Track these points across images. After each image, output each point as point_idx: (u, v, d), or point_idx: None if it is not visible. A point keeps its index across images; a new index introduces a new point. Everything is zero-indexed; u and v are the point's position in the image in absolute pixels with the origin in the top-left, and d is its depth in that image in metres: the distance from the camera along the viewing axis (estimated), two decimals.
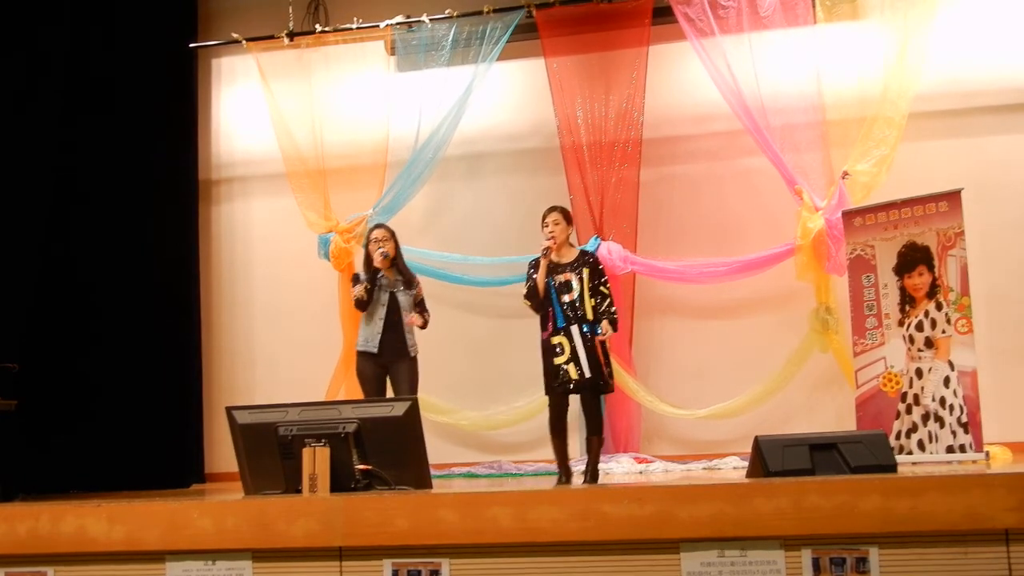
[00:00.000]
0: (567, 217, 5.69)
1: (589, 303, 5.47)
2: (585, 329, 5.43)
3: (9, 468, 5.84)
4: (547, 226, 5.61)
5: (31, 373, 6.25)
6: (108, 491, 6.43)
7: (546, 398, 5.60)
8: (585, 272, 5.53)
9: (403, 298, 5.90)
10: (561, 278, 5.53)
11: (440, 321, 7.44)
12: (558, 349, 5.43)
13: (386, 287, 5.86)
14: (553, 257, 5.58)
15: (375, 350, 5.81)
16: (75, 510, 2.89)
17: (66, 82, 6.92)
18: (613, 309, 5.55)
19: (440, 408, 7.38)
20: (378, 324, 5.83)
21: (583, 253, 5.70)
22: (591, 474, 5.55)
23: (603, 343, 5.46)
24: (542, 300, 5.53)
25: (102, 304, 7.03)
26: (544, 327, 5.54)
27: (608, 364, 5.49)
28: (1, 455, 5.80)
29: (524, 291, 5.61)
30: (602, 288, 5.56)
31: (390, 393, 5.94)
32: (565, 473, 5.62)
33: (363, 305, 5.82)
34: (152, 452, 6.98)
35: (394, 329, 5.84)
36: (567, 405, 5.54)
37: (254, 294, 8.14)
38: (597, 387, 5.47)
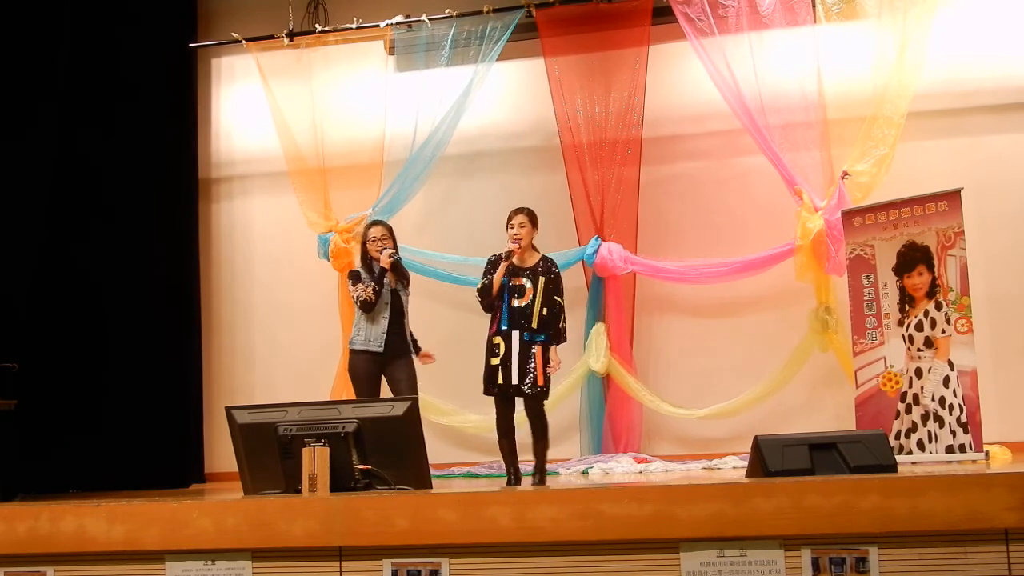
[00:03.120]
0: (533, 220, 5.64)
1: (538, 311, 5.46)
2: (526, 337, 5.43)
3: (9, 468, 5.84)
4: (512, 227, 5.58)
5: (31, 373, 6.25)
6: (108, 491, 6.43)
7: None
8: (541, 280, 5.51)
9: (404, 297, 5.90)
10: (516, 281, 5.52)
11: (439, 322, 7.46)
12: (496, 349, 5.45)
13: (388, 285, 5.85)
14: (514, 260, 5.57)
15: (379, 349, 5.78)
16: (75, 510, 2.89)
17: (66, 82, 6.92)
18: (562, 322, 5.56)
19: (440, 409, 7.37)
20: (382, 323, 5.80)
21: (544, 260, 5.64)
22: (539, 477, 5.56)
23: (544, 352, 5.44)
24: (493, 300, 5.52)
25: (102, 303, 7.03)
26: (490, 326, 5.55)
27: (545, 373, 5.44)
28: (1, 455, 5.80)
29: (478, 286, 5.59)
30: (556, 298, 5.54)
31: (385, 391, 5.93)
32: (514, 475, 5.61)
33: (370, 307, 5.77)
34: (152, 452, 6.98)
35: (399, 329, 5.83)
36: (511, 406, 5.55)
37: (254, 294, 8.14)
38: (522, 393, 5.44)
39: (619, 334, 7.20)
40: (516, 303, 5.48)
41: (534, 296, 5.49)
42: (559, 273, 5.67)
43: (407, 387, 5.79)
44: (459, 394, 7.40)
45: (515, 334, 5.43)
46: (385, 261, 5.77)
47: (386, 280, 5.83)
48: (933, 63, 6.84)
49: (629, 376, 7.13)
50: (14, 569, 2.90)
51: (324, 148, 7.72)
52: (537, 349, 5.44)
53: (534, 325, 5.45)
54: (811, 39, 7.05)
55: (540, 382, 5.42)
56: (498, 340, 5.47)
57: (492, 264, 5.62)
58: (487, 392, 5.57)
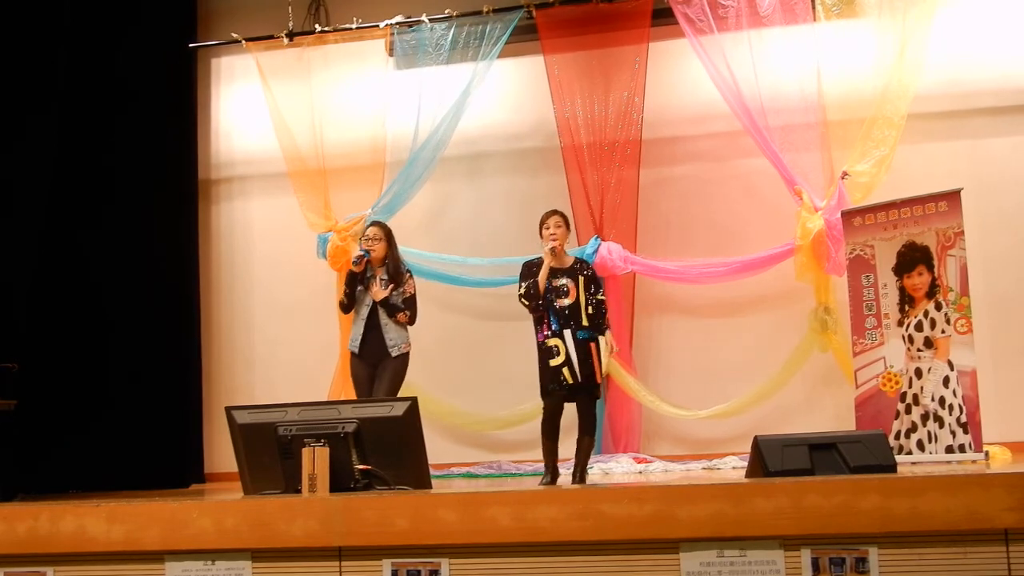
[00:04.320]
0: (568, 222, 5.73)
1: (584, 310, 5.51)
2: (580, 335, 5.46)
3: (9, 468, 5.84)
4: (548, 228, 5.63)
5: (31, 373, 6.26)
6: (108, 491, 6.43)
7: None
8: (580, 279, 5.57)
9: (389, 299, 5.82)
10: (557, 283, 5.55)
11: (440, 322, 7.47)
12: (555, 351, 5.45)
13: (370, 286, 5.82)
14: (552, 262, 5.59)
15: (355, 350, 5.83)
16: (74, 510, 2.89)
17: (66, 82, 6.93)
18: (604, 315, 5.63)
19: (440, 410, 7.37)
20: (360, 324, 5.83)
21: (578, 260, 5.73)
22: (580, 474, 5.57)
23: (598, 350, 5.52)
24: (539, 302, 5.53)
25: (102, 304, 7.04)
26: (539, 330, 5.57)
27: (600, 369, 5.55)
28: (1, 455, 5.80)
29: (521, 291, 5.59)
30: (599, 296, 5.62)
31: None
32: (552, 473, 5.61)
33: (344, 308, 5.88)
34: (152, 452, 6.98)
35: (375, 329, 5.80)
36: (562, 407, 5.55)
37: (254, 294, 8.14)
38: (590, 391, 5.51)
39: (619, 334, 7.19)
40: (561, 303, 5.50)
41: (578, 295, 5.52)
42: (595, 271, 5.81)
43: (387, 389, 5.76)
44: (459, 394, 7.41)
45: (567, 332, 5.46)
46: (352, 266, 5.77)
47: (379, 279, 5.81)
48: (933, 64, 6.84)
49: (629, 376, 7.13)
50: (14, 569, 2.90)
51: (324, 148, 7.73)
52: (592, 347, 5.50)
53: (585, 323, 5.50)
54: (811, 40, 7.05)
55: (598, 380, 5.52)
56: (554, 342, 5.46)
57: (528, 269, 5.66)
58: (550, 393, 5.51)
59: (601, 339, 5.59)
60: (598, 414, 7.14)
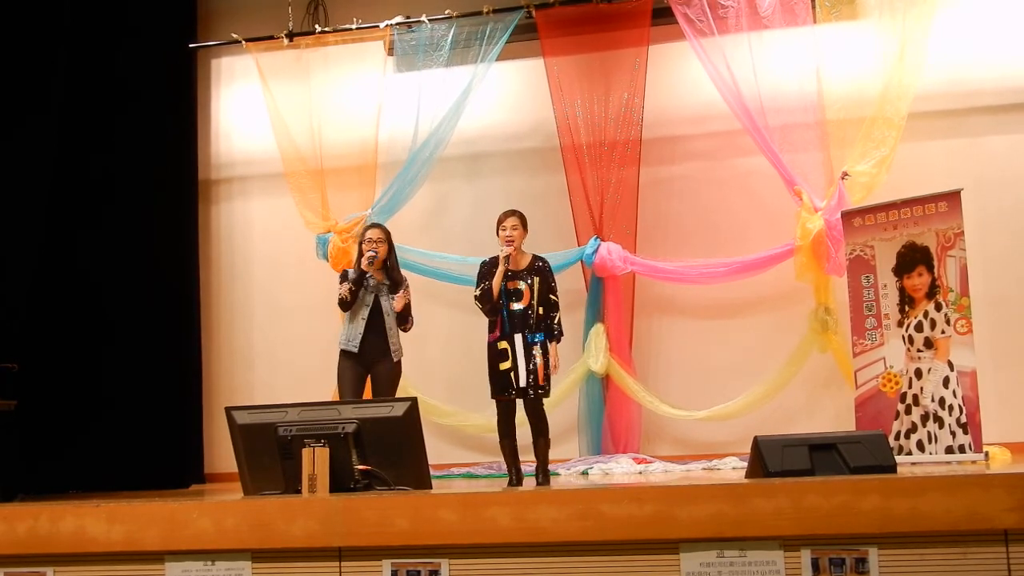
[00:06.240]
0: (524, 222, 5.67)
1: (538, 312, 5.51)
2: (530, 338, 5.47)
3: (9, 468, 5.84)
4: (505, 230, 5.60)
5: (31, 373, 6.26)
6: (107, 491, 6.43)
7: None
8: (536, 281, 5.55)
9: (386, 303, 5.87)
10: (511, 285, 5.54)
11: (439, 322, 7.47)
12: (504, 354, 5.48)
13: (372, 288, 5.85)
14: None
15: (355, 350, 5.82)
16: (74, 510, 2.89)
17: (66, 82, 6.93)
18: (556, 321, 5.58)
19: (441, 411, 7.37)
20: (360, 324, 5.83)
21: (535, 259, 5.67)
22: (543, 475, 5.57)
23: (544, 351, 5.49)
24: (494, 304, 5.54)
25: (102, 304, 7.04)
26: (492, 331, 5.57)
27: (547, 371, 5.50)
28: (1, 455, 5.81)
29: (476, 292, 5.60)
30: (551, 296, 5.59)
31: (369, 395, 5.94)
32: (516, 475, 5.62)
33: (346, 305, 5.84)
34: (152, 452, 6.98)
35: (377, 331, 5.82)
36: (514, 408, 5.57)
37: (254, 294, 8.14)
38: (534, 394, 5.48)
39: (618, 335, 7.20)
40: (515, 306, 5.50)
41: (532, 298, 5.50)
42: (551, 270, 5.72)
43: (385, 389, 5.80)
44: (459, 394, 7.40)
45: (517, 337, 5.47)
46: (364, 263, 5.79)
47: (372, 282, 5.84)
48: (933, 64, 6.83)
49: (628, 377, 7.13)
50: (14, 569, 2.90)
51: (323, 148, 7.72)
52: (537, 348, 5.48)
53: (534, 325, 5.50)
54: (811, 40, 7.04)
55: (541, 381, 5.47)
56: (504, 345, 5.50)
57: (486, 269, 5.64)
58: (499, 396, 5.56)
59: (550, 345, 5.55)
60: (597, 414, 7.20)
